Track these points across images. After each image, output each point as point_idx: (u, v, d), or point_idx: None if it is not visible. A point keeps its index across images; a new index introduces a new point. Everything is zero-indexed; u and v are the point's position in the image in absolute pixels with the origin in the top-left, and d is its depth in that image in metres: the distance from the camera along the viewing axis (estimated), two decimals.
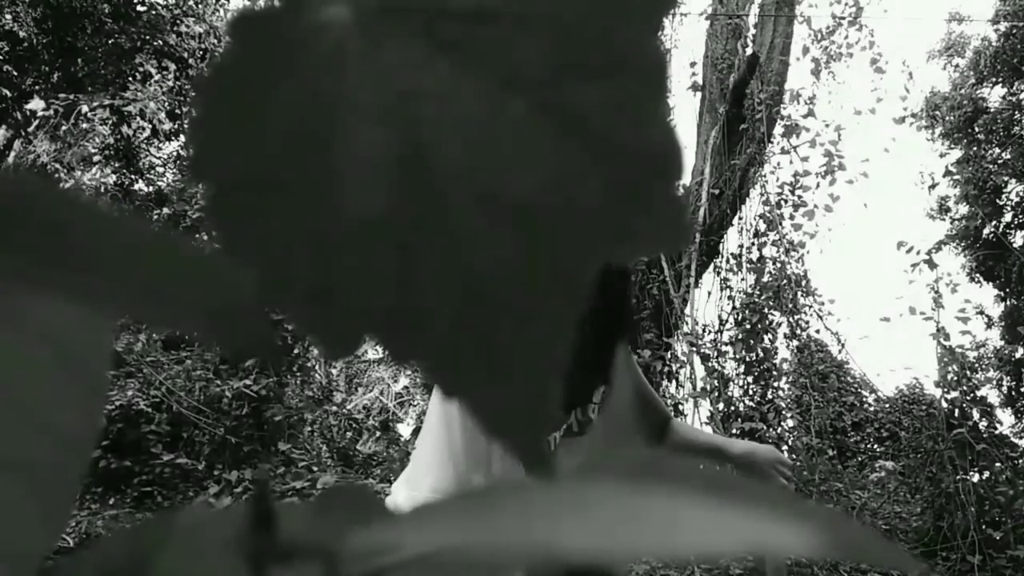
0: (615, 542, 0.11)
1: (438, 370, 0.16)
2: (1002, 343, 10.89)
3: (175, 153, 9.85)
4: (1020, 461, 5.46)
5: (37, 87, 8.97)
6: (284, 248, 0.16)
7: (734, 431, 5.45)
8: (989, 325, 11.14)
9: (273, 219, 0.15)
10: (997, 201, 11.11)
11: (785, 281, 6.11)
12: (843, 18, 7.03)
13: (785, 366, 6.42)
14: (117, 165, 9.04)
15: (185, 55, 9.33)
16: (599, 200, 0.15)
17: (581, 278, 0.16)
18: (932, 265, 5.75)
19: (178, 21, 9.37)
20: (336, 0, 0.15)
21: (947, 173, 9.72)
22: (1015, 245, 10.95)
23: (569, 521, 0.12)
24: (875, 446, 8.88)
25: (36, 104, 8.70)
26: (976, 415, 5.48)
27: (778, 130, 6.34)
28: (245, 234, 0.16)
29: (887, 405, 8.89)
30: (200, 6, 9.55)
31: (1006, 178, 10.90)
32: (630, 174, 0.15)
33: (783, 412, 6.46)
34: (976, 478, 5.19)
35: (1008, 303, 11.24)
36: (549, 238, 0.15)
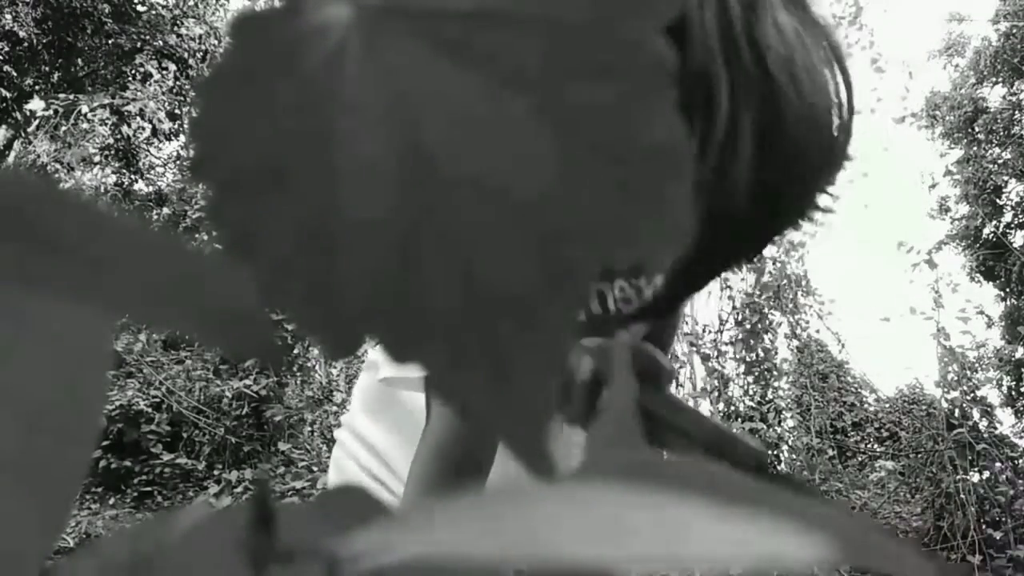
0: (618, 549, 0.11)
1: (439, 370, 0.16)
2: (1002, 343, 10.88)
3: (175, 153, 9.85)
4: (1020, 461, 5.46)
5: (37, 87, 8.97)
6: (284, 248, 0.16)
7: (734, 431, 5.45)
8: (989, 325, 11.12)
9: (273, 219, 0.15)
10: (997, 201, 11.11)
11: (785, 281, 6.11)
12: (843, 18, 7.03)
13: (785, 366, 6.43)
14: (117, 165, 9.05)
15: (185, 55, 9.33)
16: (602, 200, 0.15)
17: (583, 278, 0.16)
18: (932, 265, 5.76)
19: (178, 22, 9.37)
20: (336, 0, 0.15)
21: (947, 173, 9.73)
22: (1015, 245, 10.95)
23: (571, 525, 0.12)
24: (875, 446, 8.87)
25: (36, 104, 8.71)
26: (976, 415, 5.49)
27: None
28: (245, 234, 0.16)
29: (887, 405, 8.89)
30: (200, 7, 9.55)
31: (1006, 178, 10.90)
32: (633, 174, 0.15)
33: (783, 412, 6.46)
34: (976, 478, 5.20)
35: (1008, 303, 11.23)
36: (551, 238, 0.15)
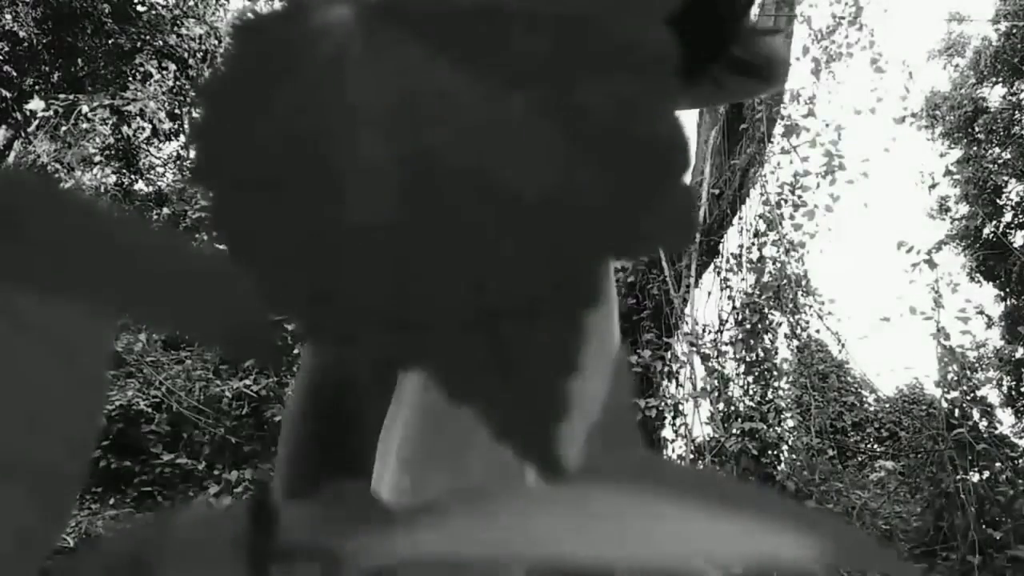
0: (616, 549, 0.11)
1: (444, 373, 0.16)
2: (1002, 343, 10.87)
3: (175, 153, 9.85)
4: (1020, 461, 5.46)
5: (37, 87, 8.97)
6: (286, 250, 0.16)
7: (734, 431, 5.45)
8: (989, 325, 11.12)
9: (275, 221, 0.15)
10: (997, 201, 11.11)
11: (785, 281, 6.10)
12: (843, 18, 7.02)
13: (785, 366, 6.42)
14: (117, 165, 9.04)
15: (185, 55, 9.33)
16: (605, 198, 0.15)
17: (589, 277, 0.16)
18: (932, 265, 5.77)
19: (178, 22, 9.36)
20: (338, 2, 0.15)
21: (947, 173, 9.72)
22: (1015, 245, 10.94)
23: (570, 525, 0.12)
24: (875, 446, 8.87)
25: (36, 104, 8.71)
26: (976, 415, 5.49)
27: (778, 130, 6.33)
28: (246, 236, 0.16)
29: (887, 405, 8.89)
30: (200, 7, 9.55)
31: (1006, 178, 10.90)
32: (636, 170, 0.15)
33: (783, 412, 6.46)
34: (976, 478, 5.19)
35: (1008, 303, 11.23)
36: (555, 237, 0.15)
